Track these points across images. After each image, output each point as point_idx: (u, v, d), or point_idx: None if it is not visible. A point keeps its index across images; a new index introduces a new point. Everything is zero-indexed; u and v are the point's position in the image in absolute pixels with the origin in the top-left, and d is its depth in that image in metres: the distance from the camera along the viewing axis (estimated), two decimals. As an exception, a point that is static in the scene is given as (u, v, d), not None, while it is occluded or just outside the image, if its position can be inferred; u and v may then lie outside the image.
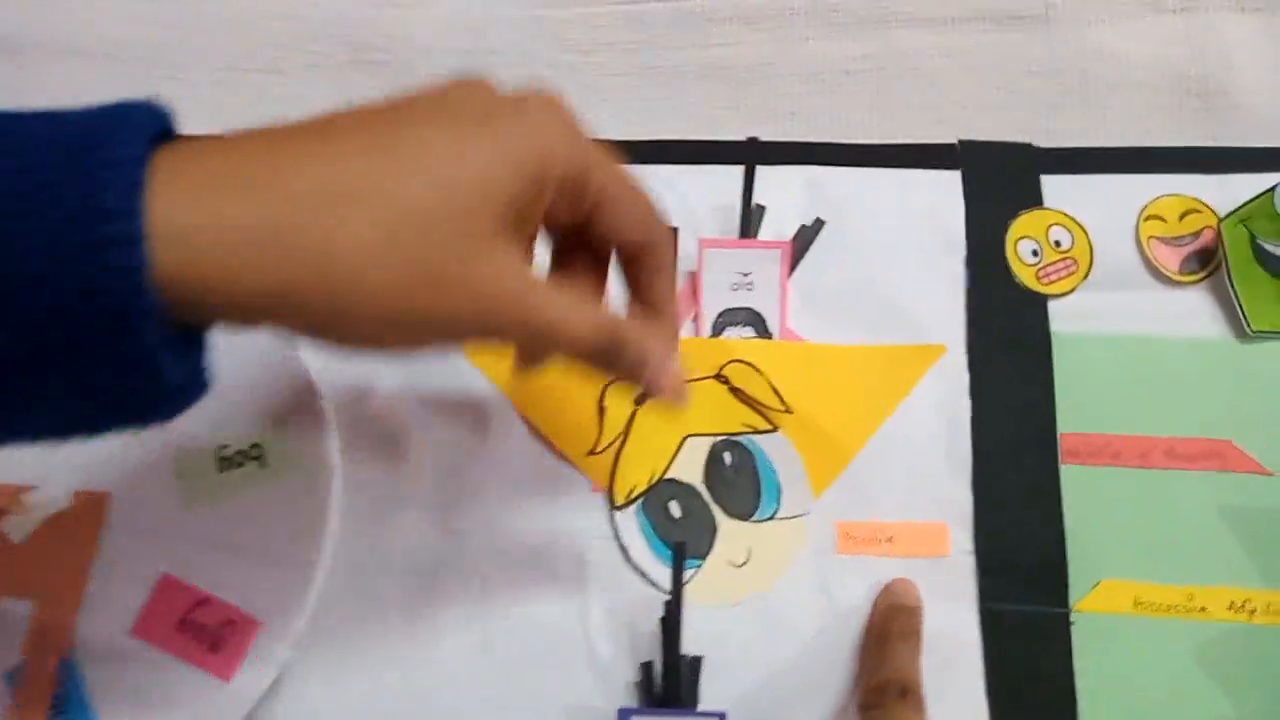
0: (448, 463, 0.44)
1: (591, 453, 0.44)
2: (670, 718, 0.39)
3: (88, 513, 0.42)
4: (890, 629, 0.39)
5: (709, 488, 0.44)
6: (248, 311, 0.26)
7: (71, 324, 0.24)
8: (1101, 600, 0.42)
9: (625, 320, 0.32)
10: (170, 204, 0.24)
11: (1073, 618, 0.41)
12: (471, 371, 0.45)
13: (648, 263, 0.34)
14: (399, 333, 0.27)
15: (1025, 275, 0.47)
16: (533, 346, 0.31)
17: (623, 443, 0.44)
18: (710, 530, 0.43)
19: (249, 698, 0.39)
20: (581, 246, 0.34)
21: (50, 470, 0.42)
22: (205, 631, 0.40)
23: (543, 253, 0.34)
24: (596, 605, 0.42)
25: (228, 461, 0.42)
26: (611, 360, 0.31)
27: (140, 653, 0.40)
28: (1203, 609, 0.41)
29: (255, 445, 0.42)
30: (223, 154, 0.26)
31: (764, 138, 0.49)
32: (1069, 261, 0.47)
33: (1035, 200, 0.48)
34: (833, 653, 0.41)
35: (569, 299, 0.30)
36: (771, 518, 0.43)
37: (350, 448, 0.43)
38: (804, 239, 0.48)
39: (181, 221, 0.24)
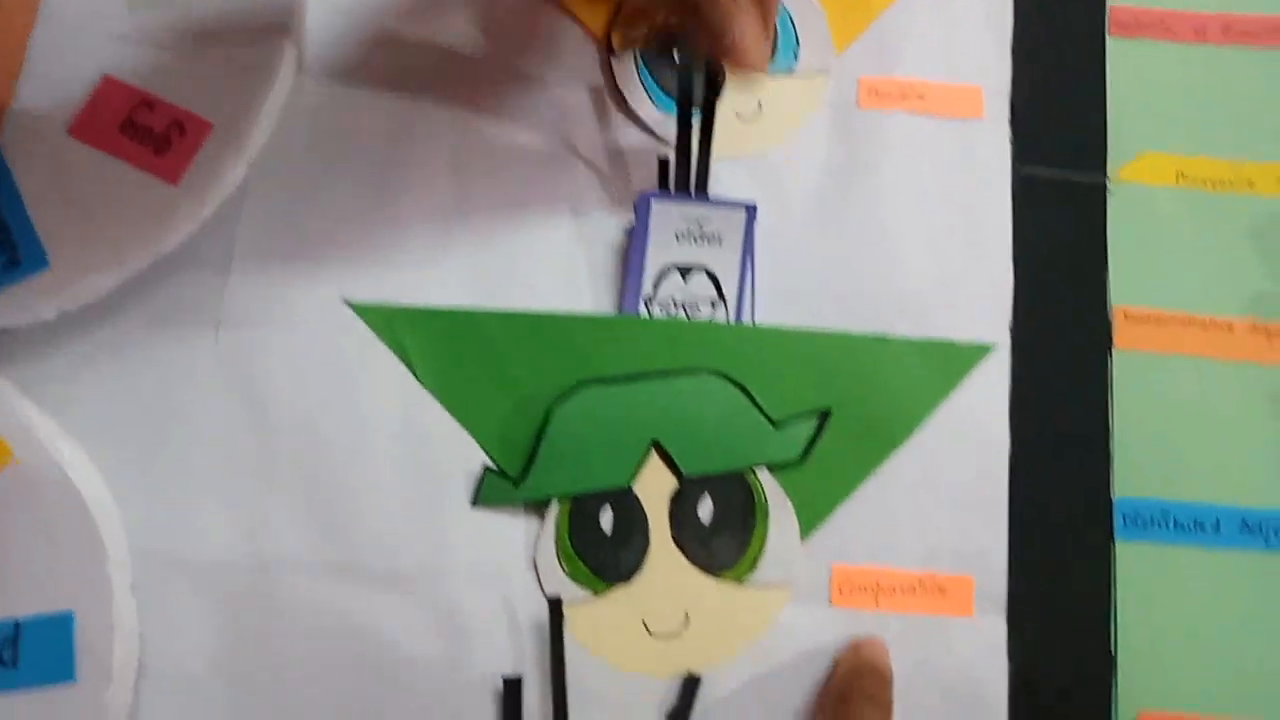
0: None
1: (589, -7, 0.39)
2: (696, 205, 0.35)
3: (17, 9, 0.37)
4: (855, 690, 0.32)
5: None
6: None
7: None
8: (1142, 171, 0.38)
9: None
10: None
11: (1111, 187, 0.38)
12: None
13: None
14: None
15: None
16: None
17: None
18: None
19: (198, 208, 0.34)
20: None
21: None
22: (150, 134, 0.35)
23: None
24: (587, 153, 0.38)
25: (176, -38, 0.37)
26: None
27: (78, 154, 0.35)
28: (1251, 184, 0.38)
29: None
30: None
31: None
32: None
33: None
34: (847, 213, 0.37)
35: None
36: (788, 72, 0.39)
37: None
38: None
39: None
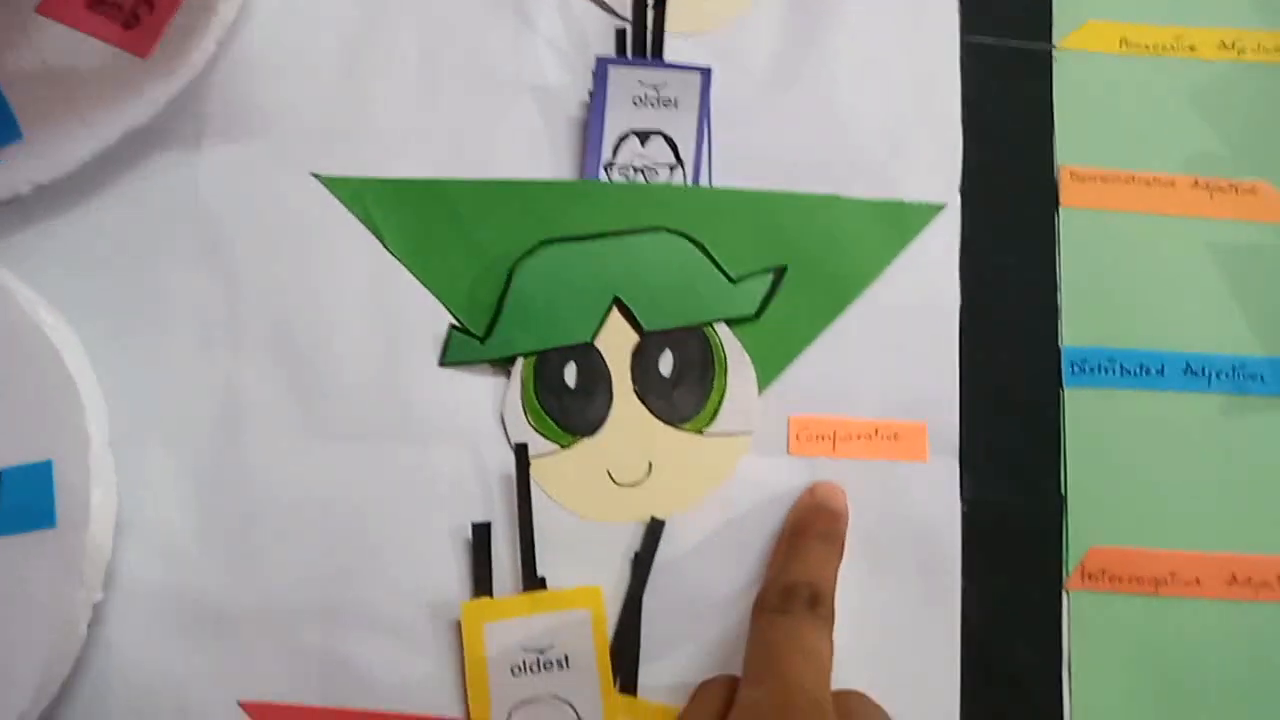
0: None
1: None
2: (652, 68, 0.36)
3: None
4: (810, 527, 0.34)
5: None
6: None
7: None
8: (1086, 39, 0.39)
9: None
10: None
11: (1055, 55, 0.39)
12: None
13: None
14: None
15: None
16: None
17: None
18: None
19: (169, 80, 0.35)
20: None
21: None
22: (119, 10, 0.36)
23: None
24: (548, 31, 0.39)
25: None
26: None
27: (48, 30, 0.36)
28: (1192, 48, 0.39)
29: None
30: None
31: None
32: None
33: None
34: (801, 80, 0.38)
35: None
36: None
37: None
38: None
39: None
